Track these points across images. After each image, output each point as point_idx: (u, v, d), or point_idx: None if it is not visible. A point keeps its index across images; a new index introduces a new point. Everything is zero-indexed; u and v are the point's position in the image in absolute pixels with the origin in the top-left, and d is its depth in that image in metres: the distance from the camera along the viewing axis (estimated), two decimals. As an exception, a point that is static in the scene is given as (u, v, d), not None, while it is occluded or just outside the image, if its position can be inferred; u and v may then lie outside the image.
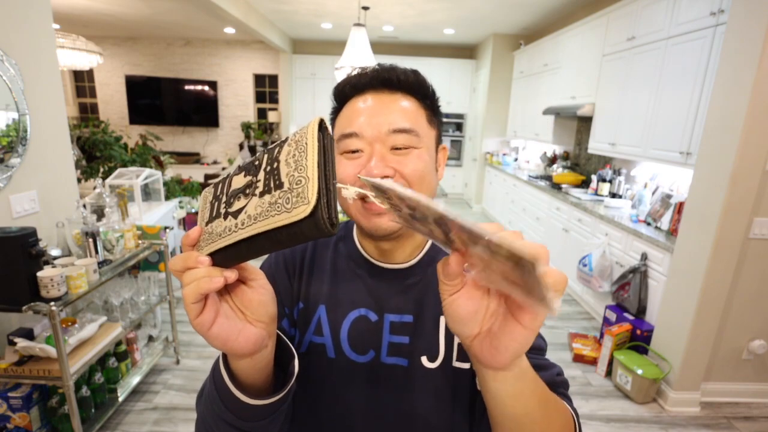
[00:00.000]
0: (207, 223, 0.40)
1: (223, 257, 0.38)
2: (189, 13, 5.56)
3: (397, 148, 0.57)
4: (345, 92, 0.61)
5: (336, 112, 0.63)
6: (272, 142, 7.69)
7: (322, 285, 0.66)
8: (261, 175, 0.37)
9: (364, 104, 0.59)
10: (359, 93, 0.60)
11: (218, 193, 0.41)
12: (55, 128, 1.93)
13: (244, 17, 4.63)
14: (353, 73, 0.61)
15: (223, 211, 0.39)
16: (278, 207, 0.33)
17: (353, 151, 0.58)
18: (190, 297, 0.37)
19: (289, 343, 0.52)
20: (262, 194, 0.36)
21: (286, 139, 0.36)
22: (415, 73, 0.60)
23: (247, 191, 0.37)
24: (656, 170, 3.12)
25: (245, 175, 0.38)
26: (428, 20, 5.41)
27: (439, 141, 0.64)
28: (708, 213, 2.00)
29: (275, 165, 0.36)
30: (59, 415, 1.70)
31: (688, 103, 2.49)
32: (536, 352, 0.61)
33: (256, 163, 0.38)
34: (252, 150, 7.27)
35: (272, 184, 0.35)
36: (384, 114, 0.57)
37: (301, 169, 0.33)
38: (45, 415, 1.72)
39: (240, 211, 0.37)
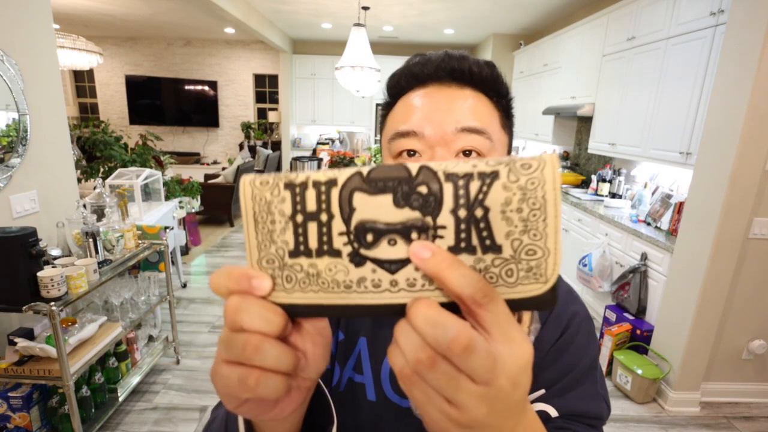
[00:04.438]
0: (293, 255, 0.26)
1: (301, 311, 0.26)
2: (189, 13, 5.56)
3: (465, 153, 0.45)
4: (401, 84, 0.50)
5: (387, 108, 0.52)
6: (273, 143, 7.67)
7: None
8: (448, 220, 0.24)
9: (425, 98, 0.47)
10: (420, 85, 0.49)
11: (309, 209, 0.25)
12: (55, 128, 1.93)
13: (244, 17, 4.63)
14: (413, 61, 0.50)
15: (348, 249, 0.25)
16: (488, 277, 0.24)
17: (410, 153, 0.47)
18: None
19: (330, 400, 0.38)
20: (452, 249, 0.24)
21: (485, 163, 0.23)
22: (491, 66, 0.49)
23: (414, 234, 0.24)
24: (656, 170, 3.12)
25: (397, 204, 0.24)
26: (428, 20, 5.41)
27: (509, 152, 0.53)
28: (708, 213, 2.00)
29: (483, 214, 0.23)
30: (59, 415, 1.70)
31: (688, 103, 2.49)
32: (589, 420, 0.49)
33: (424, 191, 0.24)
34: (252, 150, 7.24)
35: (477, 242, 0.24)
36: (450, 110, 0.46)
37: (536, 236, 0.23)
38: (45, 415, 1.72)
39: (401, 264, 0.24)
